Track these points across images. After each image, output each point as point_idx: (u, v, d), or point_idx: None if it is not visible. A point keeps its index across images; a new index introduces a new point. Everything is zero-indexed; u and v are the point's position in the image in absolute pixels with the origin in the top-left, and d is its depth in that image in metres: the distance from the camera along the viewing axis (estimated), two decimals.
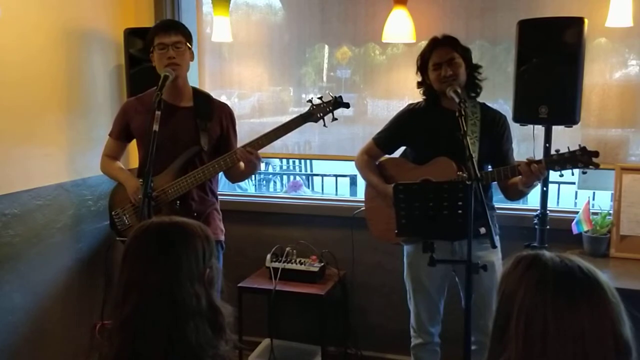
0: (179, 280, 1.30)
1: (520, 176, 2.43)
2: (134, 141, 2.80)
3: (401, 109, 2.82)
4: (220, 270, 1.45)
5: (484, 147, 2.59)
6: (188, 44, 2.59)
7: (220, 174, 2.78)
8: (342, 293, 3.46)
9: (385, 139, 2.79)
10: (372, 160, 2.81)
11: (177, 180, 2.57)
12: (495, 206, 2.82)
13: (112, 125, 2.80)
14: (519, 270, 1.14)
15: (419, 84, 2.70)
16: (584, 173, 2.39)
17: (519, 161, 2.50)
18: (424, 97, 2.71)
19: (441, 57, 2.56)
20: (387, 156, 2.87)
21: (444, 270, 2.61)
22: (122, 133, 2.77)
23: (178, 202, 2.58)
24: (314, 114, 2.54)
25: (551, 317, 1.06)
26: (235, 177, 2.87)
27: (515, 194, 2.60)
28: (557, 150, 2.39)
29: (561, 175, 2.39)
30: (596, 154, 2.33)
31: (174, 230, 1.38)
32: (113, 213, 2.76)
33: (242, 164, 2.61)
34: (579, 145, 2.35)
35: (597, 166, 2.34)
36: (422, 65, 2.65)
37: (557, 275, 1.09)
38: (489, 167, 2.69)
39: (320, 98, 2.55)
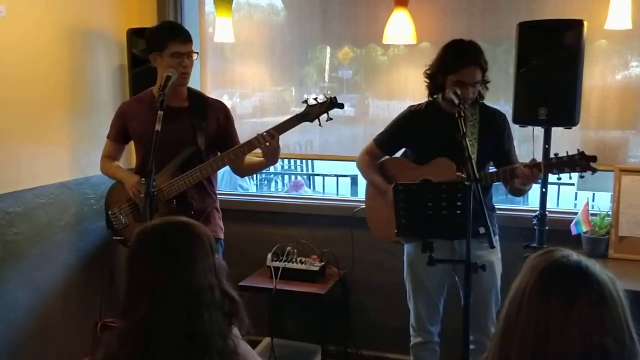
0: (194, 276, 1.33)
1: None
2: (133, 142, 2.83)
3: (402, 110, 2.83)
4: (225, 265, 1.48)
5: (484, 147, 2.60)
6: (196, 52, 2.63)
7: (222, 174, 2.80)
8: (343, 292, 3.47)
9: (386, 141, 2.79)
10: (373, 160, 2.82)
11: (174, 179, 2.59)
12: (495, 207, 2.84)
13: (109, 128, 2.82)
14: (529, 262, 1.15)
15: (431, 81, 2.62)
16: (581, 177, 2.41)
17: (522, 162, 2.51)
18: (428, 99, 2.68)
19: (469, 79, 2.48)
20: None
21: (444, 270, 2.62)
22: (120, 135, 2.79)
23: (175, 201, 2.60)
24: (310, 114, 2.56)
25: (526, 308, 1.06)
26: (244, 171, 2.89)
27: (516, 191, 2.63)
28: (556, 154, 2.41)
29: (559, 179, 2.42)
30: (594, 159, 2.35)
31: (178, 229, 1.41)
32: (110, 213, 2.78)
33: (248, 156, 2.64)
34: (578, 150, 2.37)
35: (594, 171, 2.36)
36: (444, 70, 2.53)
37: (548, 268, 1.09)
38: (491, 166, 2.71)
39: (315, 99, 2.58)
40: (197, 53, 2.63)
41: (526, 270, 1.13)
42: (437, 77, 2.58)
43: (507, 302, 1.13)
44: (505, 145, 2.67)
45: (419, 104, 2.75)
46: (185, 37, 2.59)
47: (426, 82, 2.66)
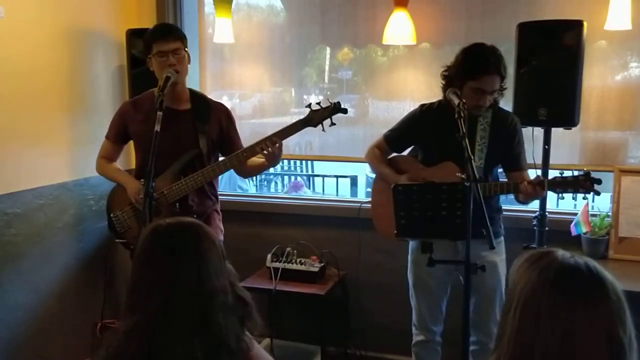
0: (205, 277, 1.33)
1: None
2: (131, 142, 2.82)
3: (405, 110, 2.82)
4: (233, 269, 1.48)
5: (494, 151, 2.58)
6: (185, 48, 2.61)
7: (222, 175, 2.79)
8: (342, 293, 3.47)
9: (395, 138, 2.78)
10: (382, 155, 2.81)
11: (177, 182, 2.58)
12: (501, 207, 2.80)
13: (108, 128, 2.81)
14: (529, 261, 1.16)
15: (447, 82, 2.57)
16: (584, 199, 2.41)
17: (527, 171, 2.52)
18: (441, 99, 2.64)
19: (488, 87, 2.45)
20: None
21: (446, 269, 2.60)
22: (119, 135, 2.78)
23: (177, 204, 2.60)
24: (313, 119, 2.56)
25: (546, 309, 1.07)
26: (247, 172, 2.92)
27: (520, 202, 2.63)
28: (561, 173, 2.41)
29: (562, 198, 2.42)
30: (599, 181, 2.35)
31: (190, 231, 1.41)
32: (112, 215, 2.76)
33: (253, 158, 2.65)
34: (584, 170, 2.37)
35: (598, 194, 2.37)
36: (464, 76, 2.48)
37: (560, 269, 1.11)
38: (499, 169, 2.70)
39: (318, 104, 2.57)
40: (186, 50, 2.61)
41: (532, 275, 1.12)
42: (454, 81, 2.53)
43: (514, 306, 1.12)
44: (515, 149, 2.64)
45: (431, 103, 2.72)
46: (166, 35, 2.57)
47: (442, 83, 2.62)
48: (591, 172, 2.39)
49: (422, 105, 2.75)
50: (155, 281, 1.32)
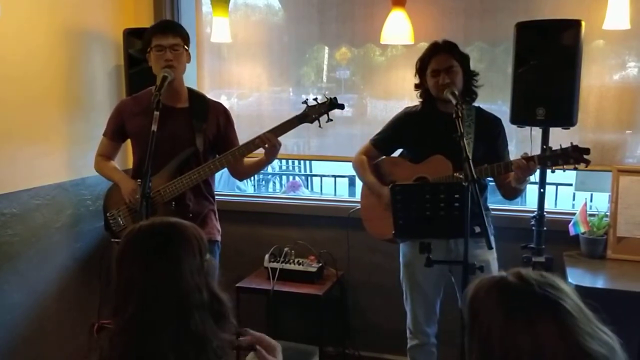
0: (181, 274, 1.33)
1: (513, 172, 2.47)
2: (128, 141, 2.81)
3: (398, 111, 2.84)
4: (216, 266, 1.47)
5: (479, 148, 2.60)
6: (185, 46, 2.60)
7: (220, 175, 2.78)
8: (340, 293, 3.46)
9: (382, 141, 2.81)
10: (369, 160, 2.82)
11: (173, 181, 2.57)
12: (493, 207, 2.84)
13: (106, 125, 2.80)
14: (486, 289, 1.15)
15: (417, 86, 2.72)
16: (575, 169, 2.41)
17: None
18: (421, 100, 2.73)
19: (440, 65, 2.58)
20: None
21: (440, 270, 2.61)
22: (116, 133, 2.77)
23: (173, 203, 2.59)
24: (309, 115, 2.56)
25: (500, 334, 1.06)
26: (243, 172, 2.89)
27: (510, 192, 2.63)
28: (550, 147, 2.43)
29: (553, 172, 2.42)
30: (587, 151, 2.36)
31: (168, 229, 1.41)
32: (108, 214, 2.75)
33: (246, 158, 2.64)
34: (571, 142, 2.37)
35: (587, 163, 2.36)
36: (421, 70, 2.67)
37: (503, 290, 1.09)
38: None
39: (315, 99, 2.57)
40: (186, 48, 2.60)
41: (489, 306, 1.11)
42: (420, 80, 2.68)
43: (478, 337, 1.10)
44: (499, 148, 2.68)
45: (415, 105, 2.78)
46: (166, 29, 2.56)
47: (416, 92, 2.73)
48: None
49: (407, 108, 2.82)
50: (132, 282, 1.33)
